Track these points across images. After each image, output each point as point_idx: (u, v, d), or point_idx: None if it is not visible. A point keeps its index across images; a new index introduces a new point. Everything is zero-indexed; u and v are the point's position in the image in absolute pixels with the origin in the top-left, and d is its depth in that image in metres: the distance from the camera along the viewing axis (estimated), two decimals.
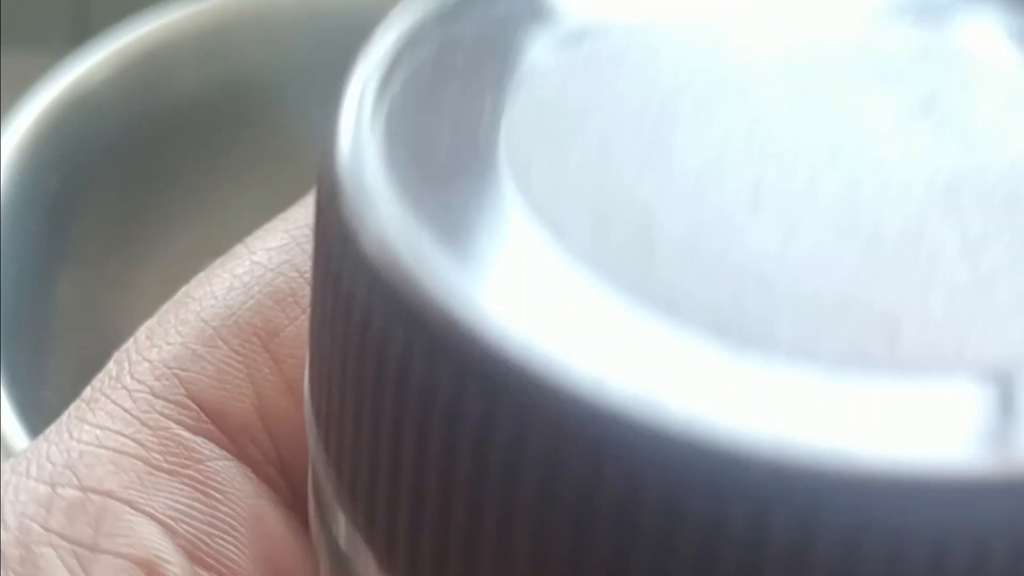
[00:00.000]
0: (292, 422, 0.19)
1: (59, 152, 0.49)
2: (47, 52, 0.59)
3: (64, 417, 0.19)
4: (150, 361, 0.19)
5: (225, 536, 0.18)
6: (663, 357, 0.12)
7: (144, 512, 0.18)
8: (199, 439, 0.18)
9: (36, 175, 0.48)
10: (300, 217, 0.20)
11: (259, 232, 0.20)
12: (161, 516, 0.18)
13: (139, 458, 0.18)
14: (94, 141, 0.50)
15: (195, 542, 0.18)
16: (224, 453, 0.19)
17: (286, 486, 0.19)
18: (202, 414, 0.19)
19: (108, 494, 0.18)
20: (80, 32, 0.72)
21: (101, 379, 0.19)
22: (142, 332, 0.20)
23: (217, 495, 0.18)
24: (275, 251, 0.20)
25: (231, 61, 0.53)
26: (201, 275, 0.20)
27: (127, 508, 0.18)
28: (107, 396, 0.19)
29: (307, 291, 0.19)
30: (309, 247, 0.18)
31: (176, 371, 0.19)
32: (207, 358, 0.19)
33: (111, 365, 0.19)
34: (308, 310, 0.18)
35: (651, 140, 0.13)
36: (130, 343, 0.20)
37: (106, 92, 0.50)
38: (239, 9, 0.53)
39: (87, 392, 0.19)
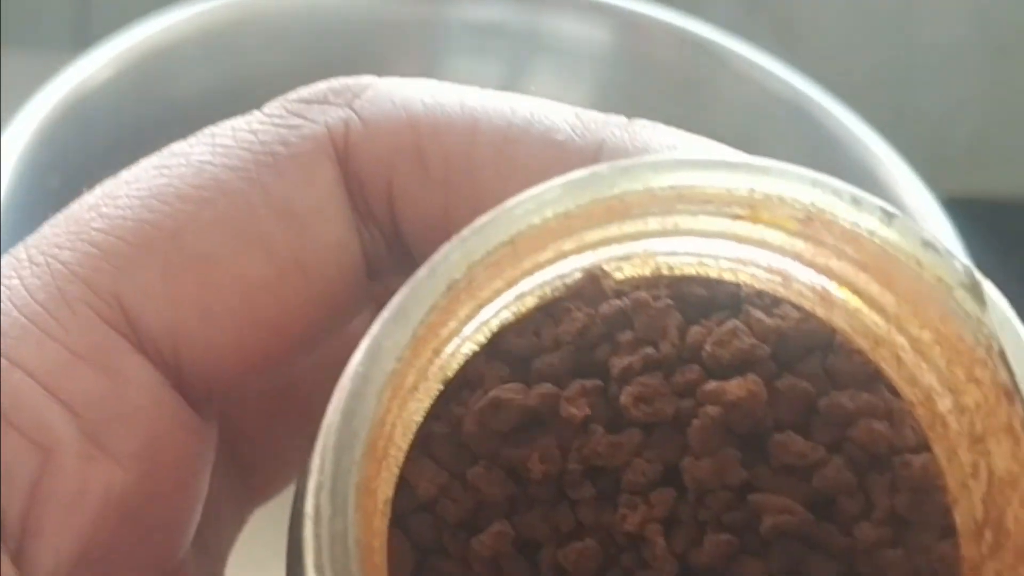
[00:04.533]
0: (200, 345, 0.20)
1: (61, 152, 0.49)
2: (49, 54, 0.59)
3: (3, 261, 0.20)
4: (94, 246, 0.20)
5: (123, 423, 0.20)
6: None
7: (57, 397, 0.19)
8: (114, 333, 0.20)
9: (38, 175, 0.48)
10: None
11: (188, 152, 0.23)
12: (71, 401, 0.19)
13: (64, 344, 0.19)
14: (96, 142, 0.51)
15: (97, 427, 0.19)
16: (131, 347, 0.20)
17: (178, 388, 0.20)
18: (123, 314, 0.20)
19: (30, 373, 0.19)
20: (82, 34, 0.72)
21: (49, 237, 0.21)
22: (89, 209, 0.21)
23: (126, 383, 0.20)
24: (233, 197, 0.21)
25: (232, 63, 0.54)
26: (152, 171, 0.22)
27: (42, 391, 0.19)
28: (48, 267, 0.20)
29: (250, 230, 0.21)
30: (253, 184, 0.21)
31: (111, 269, 0.20)
32: (140, 267, 0.20)
33: (61, 221, 0.21)
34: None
35: None
36: (82, 212, 0.21)
37: (108, 93, 0.51)
38: (240, 12, 0.53)
39: (33, 248, 0.21)
